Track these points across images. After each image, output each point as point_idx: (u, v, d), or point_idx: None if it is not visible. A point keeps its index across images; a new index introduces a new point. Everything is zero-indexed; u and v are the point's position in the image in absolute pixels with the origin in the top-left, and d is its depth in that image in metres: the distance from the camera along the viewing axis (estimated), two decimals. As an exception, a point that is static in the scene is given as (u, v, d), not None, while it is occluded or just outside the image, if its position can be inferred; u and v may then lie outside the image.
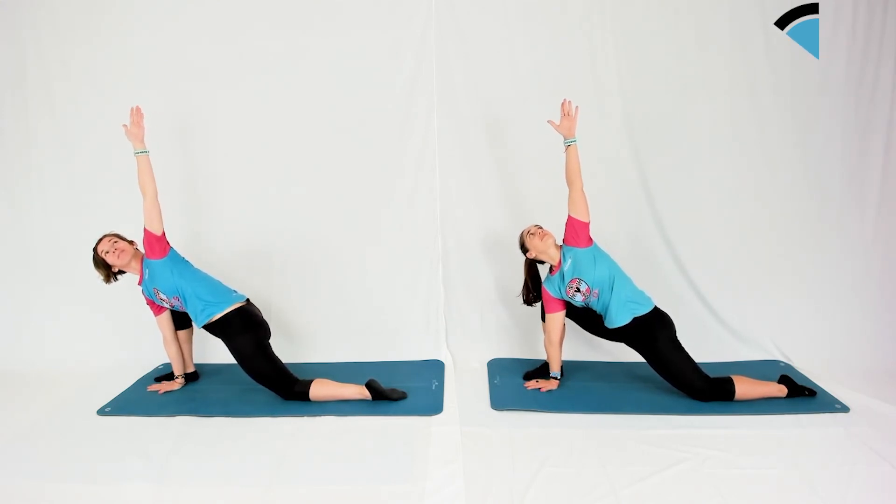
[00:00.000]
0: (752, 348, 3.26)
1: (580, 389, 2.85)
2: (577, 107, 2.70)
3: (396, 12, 3.21)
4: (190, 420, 2.66)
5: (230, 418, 2.66)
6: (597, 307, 2.77)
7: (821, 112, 3.16)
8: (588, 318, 2.88)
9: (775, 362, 3.17)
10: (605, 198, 3.14)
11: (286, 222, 3.37)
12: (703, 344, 3.05)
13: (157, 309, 2.90)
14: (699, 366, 2.66)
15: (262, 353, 2.76)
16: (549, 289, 2.82)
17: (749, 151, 3.22)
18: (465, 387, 2.96)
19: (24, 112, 3.36)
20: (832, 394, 2.73)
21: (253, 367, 2.75)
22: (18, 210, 3.45)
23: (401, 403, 2.74)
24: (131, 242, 2.85)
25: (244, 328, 2.76)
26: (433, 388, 2.93)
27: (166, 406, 2.79)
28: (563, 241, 2.77)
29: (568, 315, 2.89)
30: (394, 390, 2.78)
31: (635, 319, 2.67)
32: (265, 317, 2.92)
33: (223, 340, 2.80)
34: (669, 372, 2.66)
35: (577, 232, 2.69)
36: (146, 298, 2.89)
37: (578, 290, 2.72)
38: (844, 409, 2.60)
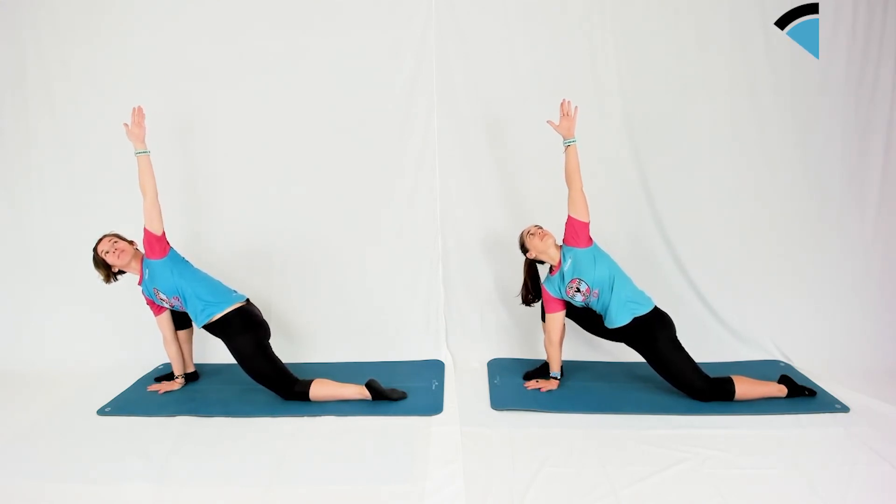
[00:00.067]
0: (752, 348, 3.26)
1: (580, 389, 2.85)
2: (576, 107, 2.70)
3: (396, 12, 3.21)
4: (190, 420, 2.66)
5: (230, 418, 2.66)
6: (597, 307, 2.77)
7: (821, 112, 3.17)
8: (588, 318, 2.88)
9: (775, 362, 3.17)
10: (605, 198, 3.14)
11: (286, 222, 3.37)
12: (703, 344, 3.05)
13: (157, 309, 2.91)
14: (699, 366, 2.66)
15: (262, 353, 2.76)
16: (549, 289, 2.82)
17: (749, 151, 3.22)
18: (465, 387, 2.96)
19: (24, 112, 3.36)
20: (832, 394, 2.73)
21: (253, 367, 2.75)
22: (18, 210, 3.45)
23: (401, 403, 2.74)
24: (131, 242, 2.85)
25: (244, 328, 2.76)
26: (433, 388, 2.93)
27: (166, 406, 2.79)
28: (563, 241, 2.77)
29: (568, 315, 2.89)
30: (394, 390, 2.78)
31: (635, 319, 2.67)
32: (265, 317, 2.92)
33: (223, 340, 2.80)
34: (669, 372, 2.66)
35: (576, 232, 2.69)
36: (146, 298, 2.89)
37: (578, 290, 2.72)
38: (844, 409, 2.60)
